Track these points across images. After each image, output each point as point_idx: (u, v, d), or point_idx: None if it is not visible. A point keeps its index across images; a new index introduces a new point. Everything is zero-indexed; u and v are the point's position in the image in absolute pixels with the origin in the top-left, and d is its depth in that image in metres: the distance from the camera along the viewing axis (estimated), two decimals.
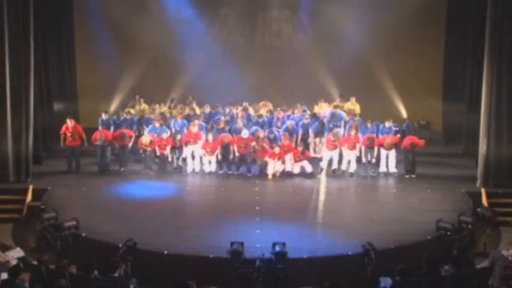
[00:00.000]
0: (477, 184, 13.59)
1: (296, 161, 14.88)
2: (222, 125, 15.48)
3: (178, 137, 14.88)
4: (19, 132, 13.53)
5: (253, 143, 14.83)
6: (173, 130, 15.43)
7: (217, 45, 18.02)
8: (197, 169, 15.02)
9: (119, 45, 17.71)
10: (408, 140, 14.65)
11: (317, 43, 17.88)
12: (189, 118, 15.97)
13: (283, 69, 17.76)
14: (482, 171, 13.55)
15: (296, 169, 14.88)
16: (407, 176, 14.55)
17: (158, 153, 14.99)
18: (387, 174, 14.90)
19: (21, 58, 13.35)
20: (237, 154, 14.72)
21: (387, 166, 14.92)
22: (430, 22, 17.57)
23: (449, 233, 10.69)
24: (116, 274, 8.27)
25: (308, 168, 14.83)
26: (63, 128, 14.72)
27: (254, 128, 15.26)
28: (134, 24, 17.46)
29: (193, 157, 15.09)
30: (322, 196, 13.73)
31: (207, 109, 16.55)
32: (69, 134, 14.60)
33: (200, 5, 17.65)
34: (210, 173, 14.91)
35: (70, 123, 14.71)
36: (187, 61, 17.32)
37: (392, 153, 14.88)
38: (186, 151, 15.07)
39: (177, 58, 17.36)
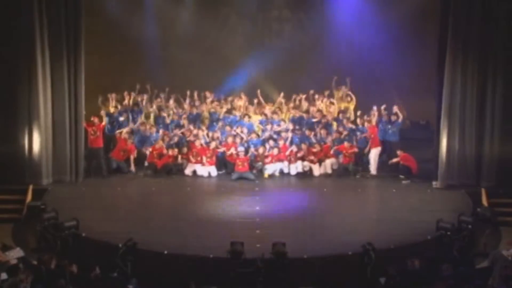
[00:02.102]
0: (437, 185, 13.76)
1: (292, 162, 14.95)
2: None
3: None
4: (76, 133, 13.83)
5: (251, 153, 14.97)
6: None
7: (217, 44, 17.99)
8: (198, 169, 15.03)
9: (119, 45, 17.68)
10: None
11: (316, 43, 17.84)
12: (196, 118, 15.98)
13: (283, 69, 17.71)
14: (444, 171, 13.71)
15: (293, 170, 14.96)
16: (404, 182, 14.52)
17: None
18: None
19: (76, 61, 13.63)
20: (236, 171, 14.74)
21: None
22: (430, 21, 17.52)
23: (449, 233, 10.69)
24: (116, 274, 8.28)
25: (305, 168, 14.92)
26: (87, 126, 14.50)
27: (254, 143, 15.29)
28: (134, 24, 17.44)
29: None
30: (321, 196, 13.75)
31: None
32: (92, 133, 14.46)
33: (200, 5, 17.62)
34: (209, 175, 14.94)
35: (95, 121, 14.63)
36: (187, 61, 17.30)
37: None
38: (188, 169, 15.05)
39: (177, 58, 17.34)
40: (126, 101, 16.31)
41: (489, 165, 13.62)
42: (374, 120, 15.27)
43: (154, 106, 16.33)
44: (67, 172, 13.79)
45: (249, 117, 16.14)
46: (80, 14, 13.62)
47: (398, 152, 14.62)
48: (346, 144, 14.99)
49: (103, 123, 14.84)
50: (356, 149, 14.95)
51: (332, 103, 16.57)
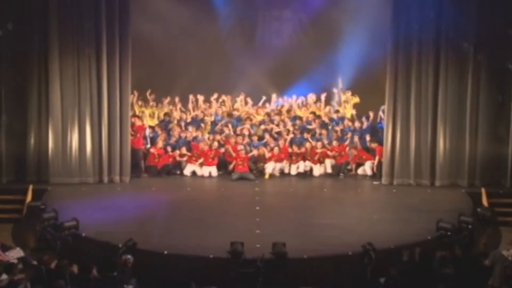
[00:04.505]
0: (382, 181, 14.15)
1: (293, 162, 14.98)
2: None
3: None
4: (121, 134, 14.03)
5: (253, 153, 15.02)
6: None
7: (217, 45, 17.93)
8: (197, 170, 15.03)
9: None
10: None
11: (316, 43, 17.78)
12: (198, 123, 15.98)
13: (283, 69, 17.67)
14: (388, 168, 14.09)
15: (294, 170, 14.99)
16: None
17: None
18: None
19: (122, 63, 13.88)
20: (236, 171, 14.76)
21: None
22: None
23: (449, 233, 10.69)
24: (115, 273, 8.28)
25: (306, 168, 14.95)
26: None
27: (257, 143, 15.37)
28: (133, 24, 17.39)
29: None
30: (322, 196, 13.75)
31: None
32: (132, 133, 14.46)
33: (200, 4, 17.58)
34: (210, 174, 14.96)
35: (135, 122, 14.76)
36: (187, 61, 17.27)
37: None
38: (187, 169, 15.08)
39: (176, 58, 17.30)
40: None
41: (443, 162, 13.93)
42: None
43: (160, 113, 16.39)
44: (115, 172, 14.02)
45: (251, 120, 16.16)
46: (129, 19, 13.97)
47: (373, 146, 14.87)
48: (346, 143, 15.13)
49: (144, 124, 15.10)
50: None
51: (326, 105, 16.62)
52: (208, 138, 15.47)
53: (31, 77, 13.72)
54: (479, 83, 13.81)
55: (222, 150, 15.10)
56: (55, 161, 13.76)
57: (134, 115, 15.07)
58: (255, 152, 14.99)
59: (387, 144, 14.11)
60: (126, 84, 14.03)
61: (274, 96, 17.04)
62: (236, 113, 16.37)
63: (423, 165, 14.04)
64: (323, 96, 16.67)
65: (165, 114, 16.21)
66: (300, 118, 16.02)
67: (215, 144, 15.07)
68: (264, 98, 16.88)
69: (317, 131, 15.60)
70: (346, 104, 16.61)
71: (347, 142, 15.25)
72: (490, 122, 13.93)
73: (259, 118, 16.33)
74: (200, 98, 16.59)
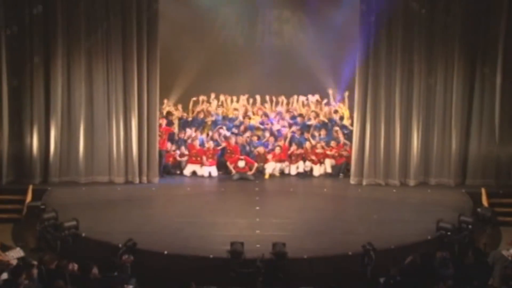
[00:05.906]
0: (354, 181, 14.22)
1: (293, 162, 14.97)
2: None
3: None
4: (148, 134, 14.09)
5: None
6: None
7: (216, 45, 17.91)
8: (198, 169, 15.03)
9: None
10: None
11: (317, 43, 17.76)
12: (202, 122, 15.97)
13: (283, 69, 17.66)
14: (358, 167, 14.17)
15: (293, 170, 15.01)
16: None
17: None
18: None
19: (150, 65, 13.94)
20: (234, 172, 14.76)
21: None
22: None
23: (449, 233, 10.69)
24: (115, 273, 8.28)
25: (306, 168, 14.97)
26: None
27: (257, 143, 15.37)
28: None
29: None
30: (321, 196, 13.75)
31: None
32: (159, 134, 14.43)
33: (200, 4, 17.57)
34: (210, 174, 14.96)
35: (161, 123, 14.79)
36: (187, 61, 17.26)
37: None
38: (187, 169, 15.08)
39: (176, 58, 17.29)
40: None
41: (416, 161, 13.97)
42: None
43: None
44: (143, 172, 14.05)
45: (249, 118, 16.13)
46: (157, 23, 14.04)
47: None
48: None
49: (173, 127, 15.15)
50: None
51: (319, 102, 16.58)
52: (207, 137, 15.45)
53: (56, 77, 13.65)
54: (452, 79, 13.80)
55: (220, 147, 15.08)
56: (83, 161, 13.84)
57: (162, 117, 15.06)
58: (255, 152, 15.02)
59: (356, 143, 14.12)
60: (155, 84, 14.02)
61: (273, 96, 16.99)
62: (236, 113, 16.34)
63: (392, 164, 14.03)
64: (318, 96, 16.65)
65: (168, 113, 16.20)
66: (301, 115, 16.00)
67: (210, 143, 15.02)
68: (262, 98, 16.85)
69: (316, 133, 15.55)
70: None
71: (343, 142, 15.24)
72: (463, 119, 13.91)
73: (258, 119, 16.30)
74: (201, 98, 16.58)
